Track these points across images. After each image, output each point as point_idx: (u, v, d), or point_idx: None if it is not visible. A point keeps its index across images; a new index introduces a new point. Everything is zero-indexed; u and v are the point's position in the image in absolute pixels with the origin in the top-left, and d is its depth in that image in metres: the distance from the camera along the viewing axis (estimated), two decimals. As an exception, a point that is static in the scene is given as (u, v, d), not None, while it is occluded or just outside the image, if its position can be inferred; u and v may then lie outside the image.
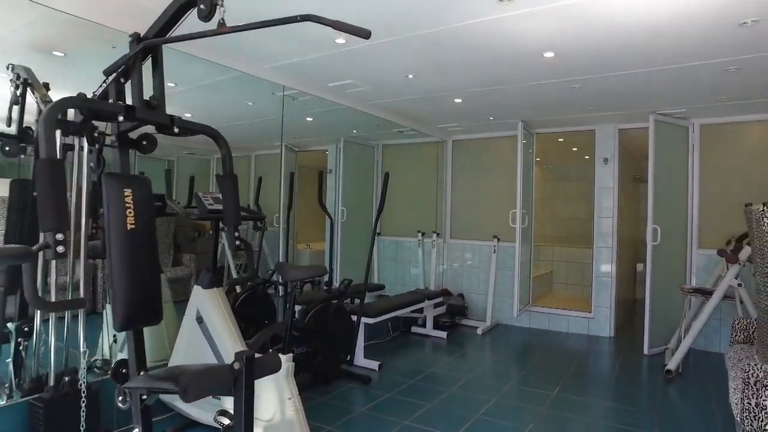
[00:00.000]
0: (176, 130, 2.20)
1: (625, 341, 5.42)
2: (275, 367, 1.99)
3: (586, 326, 5.71)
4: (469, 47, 3.24)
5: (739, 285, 4.06)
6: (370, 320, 4.32)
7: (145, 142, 2.28)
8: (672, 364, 4.16)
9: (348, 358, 4.08)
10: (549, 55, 3.30)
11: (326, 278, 4.95)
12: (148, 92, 2.10)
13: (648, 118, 4.84)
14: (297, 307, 4.39)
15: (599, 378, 4.30)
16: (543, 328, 5.93)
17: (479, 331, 5.66)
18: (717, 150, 5.13)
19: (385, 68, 3.76)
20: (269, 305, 4.37)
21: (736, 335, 3.49)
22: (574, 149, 7.30)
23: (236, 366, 1.76)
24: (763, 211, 2.47)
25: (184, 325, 2.87)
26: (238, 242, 2.41)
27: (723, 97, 4.31)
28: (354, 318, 4.18)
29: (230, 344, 2.70)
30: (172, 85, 4.12)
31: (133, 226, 2.01)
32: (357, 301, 4.26)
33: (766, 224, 2.46)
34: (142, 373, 2.01)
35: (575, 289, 7.28)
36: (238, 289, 4.31)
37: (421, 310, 5.43)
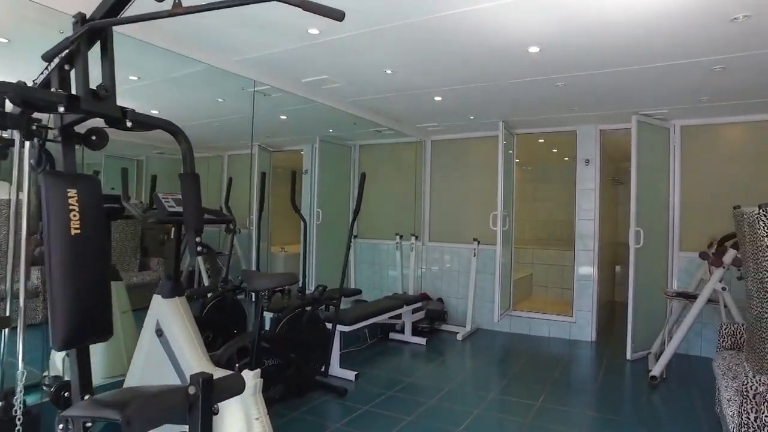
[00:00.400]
0: (129, 124, 1.96)
1: (607, 346, 5.32)
2: (238, 389, 1.78)
3: (567, 330, 5.61)
4: (451, 40, 3.07)
5: (723, 289, 3.98)
6: (346, 328, 4.12)
7: (94, 138, 2.04)
8: (656, 370, 4.06)
9: (323, 368, 3.87)
10: (534, 50, 3.16)
11: (299, 284, 4.72)
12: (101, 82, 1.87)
13: (629, 118, 4.75)
14: (269, 315, 4.17)
15: (583, 386, 4.18)
16: (524, 332, 5.81)
17: (459, 337, 5.50)
18: (697, 152, 5.09)
19: (361, 62, 3.57)
20: (239, 312, 4.14)
21: (723, 341, 3.40)
22: (554, 150, 7.23)
23: (191, 390, 1.55)
24: (759, 214, 2.35)
25: (142, 339, 2.63)
26: (199, 248, 2.17)
27: (705, 98, 4.25)
28: (329, 326, 3.97)
29: (193, 359, 2.47)
30: (135, 78, 3.87)
31: (78, 231, 1.78)
32: (332, 307, 4.05)
33: (761, 228, 2.35)
34: (87, 397, 1.77)
35: (555, 291, 7.20)
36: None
37: (399, 316, 5.24)
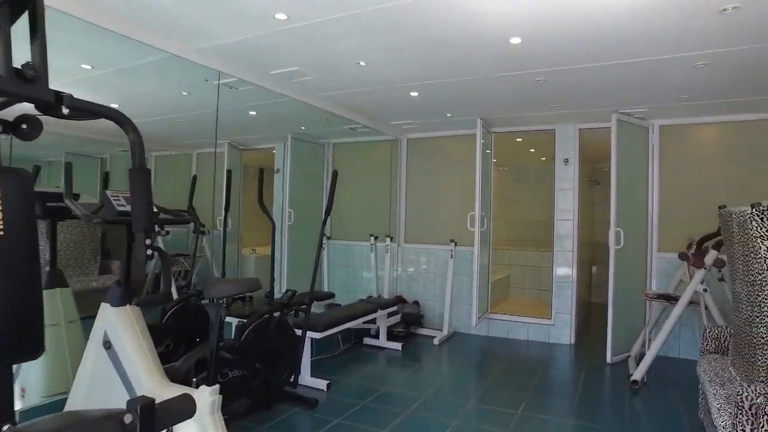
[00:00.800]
0: (66, 111, 1.71)
1: (586, 349, 5.22)
2: (187, 413, 1.56)
3: (546, 333, 5.49)
4: (429, 28, 2.89)
5: (705, 290, 3.90)
6: (318, 335, 3.90)
7: (24, 126, 1.78)
8: (637, 374, 3.96)
9: (292, 378, 3.64)
10: (516, 41, 3.00)
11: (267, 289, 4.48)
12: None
13: (608, 117, 4.66)
14: (234, 321, 3.93)
15: (564, 392, 4.04)
16: (502, 336, 5.67)
17: (436, 342, 5.33)
18: (676, 152, 5.03)
19: (333, 53, 3.36)
20: (203, 318, 3.87)
21: (707, 344, 3.29)
22: (532, 150, 7.13)
23: (127, 419, 1.32)
24: (751, 214, 2.23)
25: (88, 353, 2.38)
26: (149, 251, 1.93)
27: (686, 96, 4.17)
28: (299, 332, 3.75)
29: (145, 375, 2.23)
30: (88, 67, 3.59)
31: (0, 233, 1.54)
32: (302, 313, 3.83)
33: (754, 228, 2.23)
34: (6, 427, 1.52)
35: (532, 293, 7.10)
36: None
37: (374, 320, 5.05)
